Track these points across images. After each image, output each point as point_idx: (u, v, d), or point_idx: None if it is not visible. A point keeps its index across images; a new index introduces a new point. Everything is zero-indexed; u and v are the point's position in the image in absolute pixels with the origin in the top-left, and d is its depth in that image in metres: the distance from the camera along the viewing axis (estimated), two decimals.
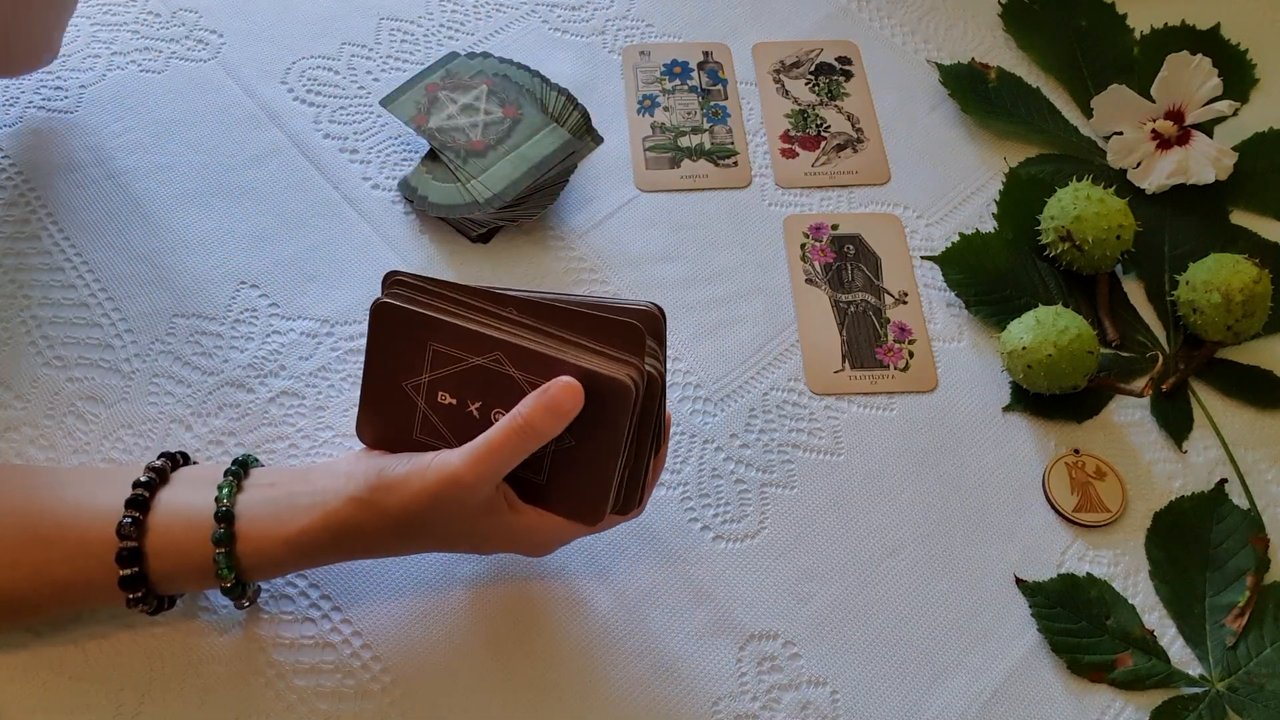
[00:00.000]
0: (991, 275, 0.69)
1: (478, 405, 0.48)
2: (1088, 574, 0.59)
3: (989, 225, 0.73)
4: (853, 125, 0.77)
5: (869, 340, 0.67)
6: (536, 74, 0.74)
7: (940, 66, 0.79)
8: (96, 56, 0.74)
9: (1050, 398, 0.65)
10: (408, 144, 0.72)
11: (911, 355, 0.67)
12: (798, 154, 0.75)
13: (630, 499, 0.51)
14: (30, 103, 0.71)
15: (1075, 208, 0.67)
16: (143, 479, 0.49)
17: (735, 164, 0.74)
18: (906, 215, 0.73)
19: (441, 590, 0.57)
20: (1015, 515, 0.62)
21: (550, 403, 0.45)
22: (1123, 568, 0.61)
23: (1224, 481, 0.63)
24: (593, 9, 0.81)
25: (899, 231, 0.72)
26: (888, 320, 0.68)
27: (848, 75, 0.79)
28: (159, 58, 0.75)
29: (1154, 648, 0.58)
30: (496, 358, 0.46)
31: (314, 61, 0.76)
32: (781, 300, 0.69)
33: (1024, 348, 0.63)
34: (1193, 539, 0.61)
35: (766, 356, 0.66)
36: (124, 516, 0.48)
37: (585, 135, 0.72)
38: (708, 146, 0.75)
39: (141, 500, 0.48)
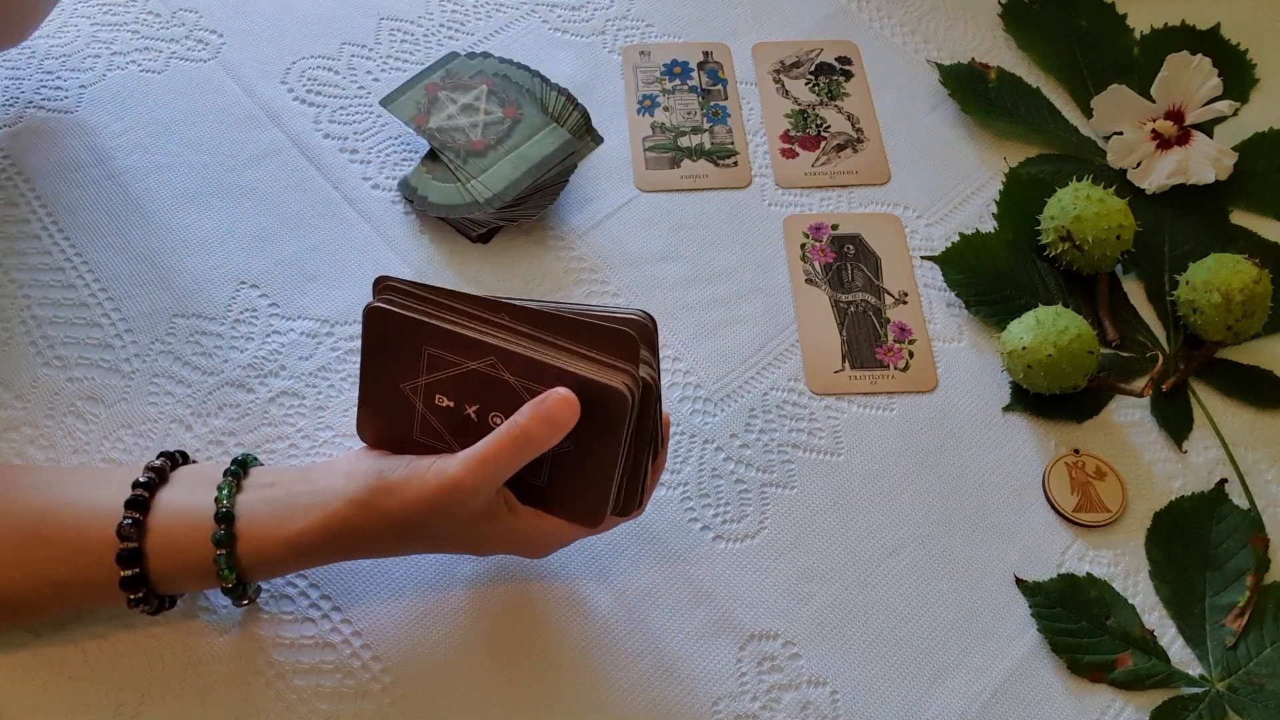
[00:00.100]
0: (991, 275, 0.69)
1: (475, 408, 0.48)
2: (1088, 574, 0.59)
3: (989, 225, 0.73)
4: (853, 125, 0.77)
5: (869, 340, 0.67)
6: (536, 74, 0.74)
7: (940, 66, 0.79)
8: (96, 56, 0.74)
9: (1050, 398, 0.65)
10: (408, 144, 0.72)
11: (911, 355, 0.67)
12: (798, 154, 0.75)
13: (630, 500, 0.51)
14: (30, 103, 0.71)
15: (1075, 208, 0.67)
16: (142, 479, 0.49)
17: (735, 164, 0.74)
18: (906, 215, 0.73)
19: (441, 590, 0.57)
20: (1015, 515, 0.62)
21: (547, 415, 0.45)
22: (1123, 568, 0.61)
23: (1224, 481, 0.63)
24: (593, 9, 0.81)
25: (899, 231, 0.72)
26: (888, 320, 0.68)
27: (848, 75, 0.79)
28: (159, 58, 0.75)
29: (1154, 648, 0.58)
30: (491, 363, 0.46)
31: (314, 61, 0.76)
32: (781, 300, 0.69)
33: (1024, 348, 0.63)
34: (1193, 539, 0.61)
35: (766, 356, 0.66)
36: (124, 518, 0.48)
37: (585, 135, 0.72)
38: (708, 146, 0.75)
39: (141, 501, 0.48)
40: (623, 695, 0.55)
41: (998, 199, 0.73)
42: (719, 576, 0.58)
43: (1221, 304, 0.64)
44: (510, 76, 0.74)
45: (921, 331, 0.68)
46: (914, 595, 0.59)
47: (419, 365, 0.48)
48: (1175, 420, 0.65)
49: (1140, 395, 0.63)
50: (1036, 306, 0.65)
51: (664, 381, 0.64)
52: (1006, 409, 0.65)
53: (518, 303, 0.47)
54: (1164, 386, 0.66)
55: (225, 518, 0.48)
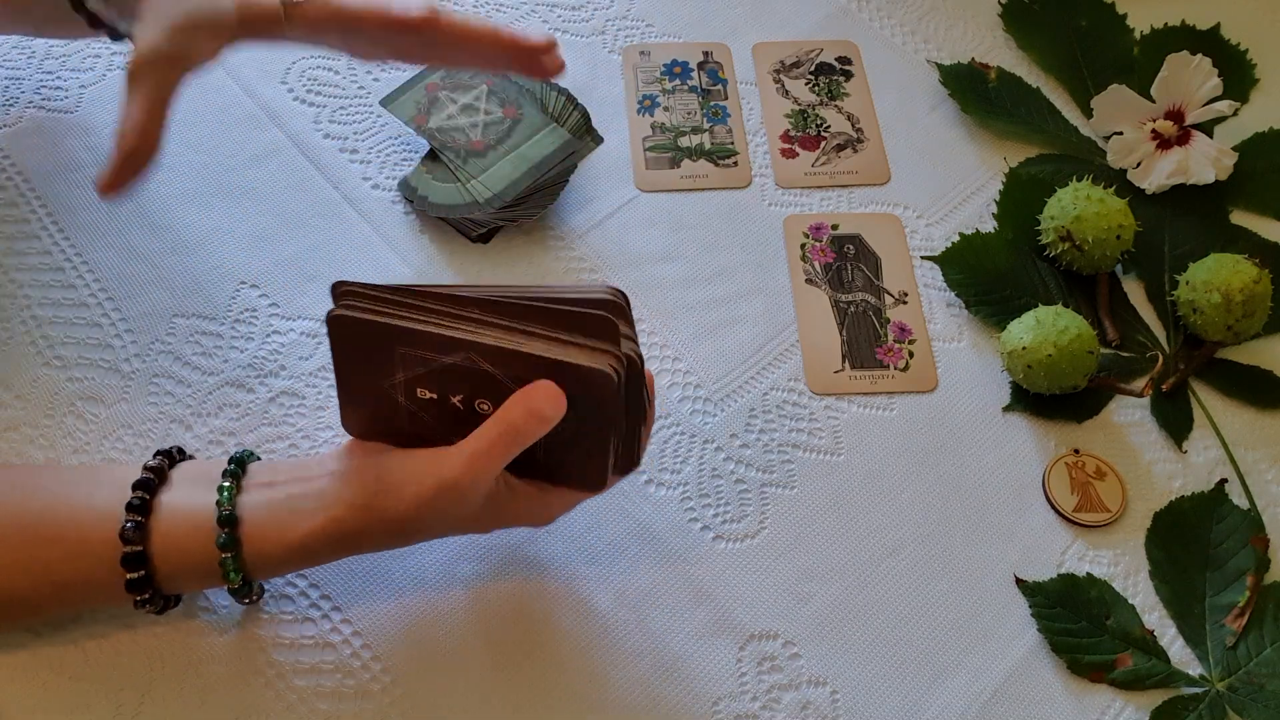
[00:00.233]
0: (991, 275, 0.69)
1: (460, 398, 0.48)
2: (1088, 574, 0.59)
3: (989, 225, 0.73)
4: (853, 125, 0.77)
5: (869, 340, 0.67)
6: None
7: (940, 66, 0.79)
8: (97, 56, 0.74)
9: (1050, 398, 0.65)
10: (408, 144, 0.72)
11: (911, 355, 0.67)
12: (798, 154, 0.75)
13: (628, 460, 0.51)
14: (30, 103, 0.71)
15: (1075, 208, 0.67)
16: (141, 480, 0.49)
17: (735, 164, 0.74)
18: (906, 215, 0.73)
19: (441, 590, 0.57)
20: (1015, 515, 0.62)
21: (534, 409, 0.45)
22: (1123, 568, 0.61)
23: (1224, 481, 0.63)
24: (593, 9, 0.81)
25: (899, 231, 0.72)
26: (888, 320, 0.68)
27: (848, 75, 0.79)
28: None
29: (1154, 648, 0.58)
30: (468, 357, 0.46)
31: (314, 61, 0.75)
32: (781, 300, 0.69)
33: (1024, 348, 0.63)
34: (1193, 539, 0.61)
35: (766, 356, 0.66)
36: (126, 520, 0.48)
37: (585, 135, 0.72)
38: (708, 146, 0.75)
39: (142, 503, 0.48)
40: (623, 695, 0.55)
41: (998, 199, 0.73)
42: (719, 576, 0.58)
43: (1221, 304, 0.64)
44: (510, 76, 0.74)
45: (921, 331, 0.68)
46: (914, 595, 0.59)
47: (393, 365, 0.47)
48: (1175, 420, 0.65)
49: (1140, 395, 0.63)
50: (1036, 306, 0.65)
51: (664, 382, 0.64)
52: (1006, 409, 0.66)
53: (486, 295, 0.46)
54: (1164, 386, 0.66)
55: (228, 520, 0.48)
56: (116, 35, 0.58)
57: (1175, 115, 0.74)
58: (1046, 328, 0.63)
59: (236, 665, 0.53)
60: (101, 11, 0.56)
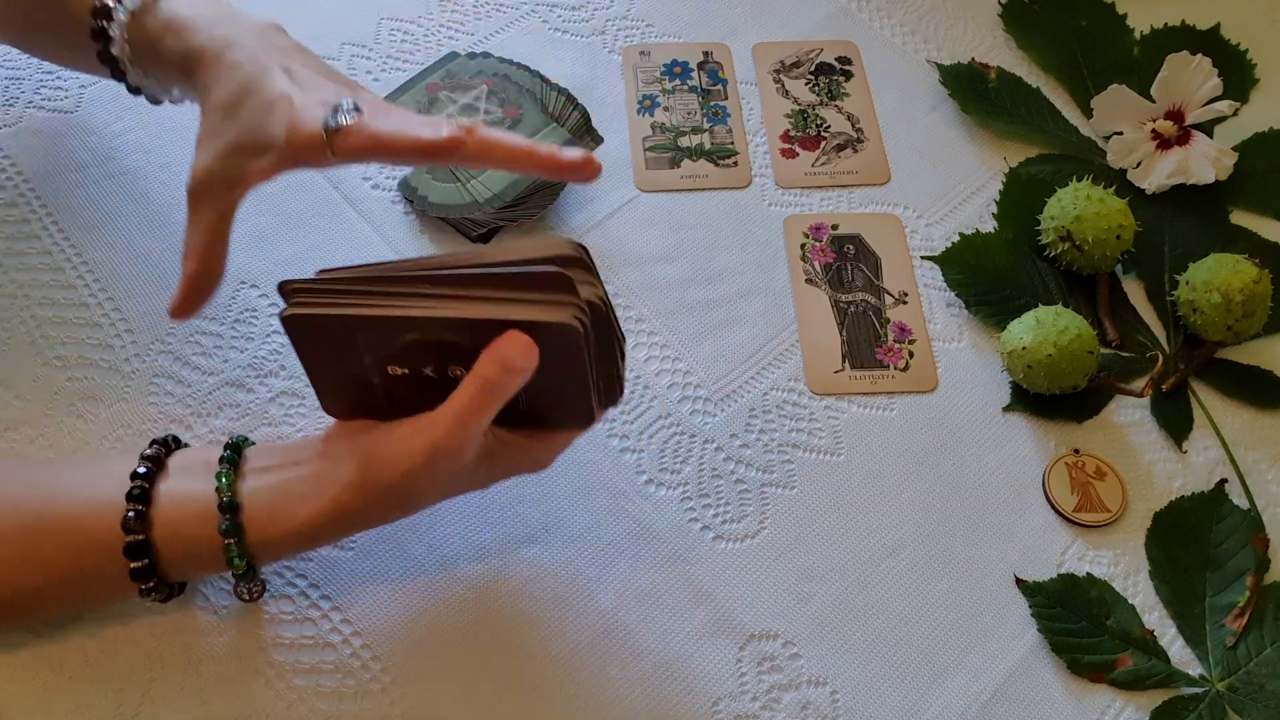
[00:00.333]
0: (991, 275, 0.69)
1: (431, 368, 0.47)
2: (1088, 574, 0.59)
3: (989, 225, 0.73)
4: (853, 125, 0.77)
5: (869, 340, 0.67)
6: (536, 74, 0.74)
7: (940, 66, 0.79)
8: None
9: (1050, 398, 0.65)
10: None
11: (911, 355, 0.67)
12: (798, 154, 0.75)
13: (611, 392, 0.51)
14: (30, 103, 0.71)
15: (1075, 208, 0.67)
16: (140, 470, 0.49)
17: (735, 164, 0.74)
18: (906, 215, 0.73)
19: (441, 590, 0.57)
20: (1015, 515, 0.62)
21: (505, 360, 0.44)
22: (1123, 568, 0.61)
23: (1224, 481, 0.63)
24: (593, 9, 0.81)
25: (899, 231, 0.72)
26: (888, 320, 0.68)
27: (848, 75, 0.79)
28: None
29: (1154, 648, 0.58)
30: (430, 332, 0.46)
31: None
32: (781, 300, 0.69)
33: (1024, 348, 0.63)
34: (1193, 539, 0.61)
35: (766, 356, 0.66)
36: (127, 510, 0.48)
37: (585, 135, 0.72)
38: (708, 146, 0.75)
39: (141, 492, 0.49)
40: (623, 695, 0.55)
41: (998, 199, 0.73)
42: (719, 576, 0.58)
43: (1221, 304, 0.64)
44: (510, 76, 0.74)
45: (921, 331, 0.68)
46: (914, 595, 0.59)
47: (357, 350, 0.47)
48: (1175, 420, 0.65)
49: (1140, 395, 0.63)
50: (1036, 306, 0.65)
51: (664, 382, 0.64)
52: (1006, 409, 0.66)
53: (435, 269, 0.46)
54: (1164, 386, 0.66)
55: (229, 507, 0.48)
56: (135, 90, 0.59)
57: (1175, 115, 0.74)
58: (1046, 328, 0.63)
59: (236, 665, 0.53)
60: (127, 68, 0.57)
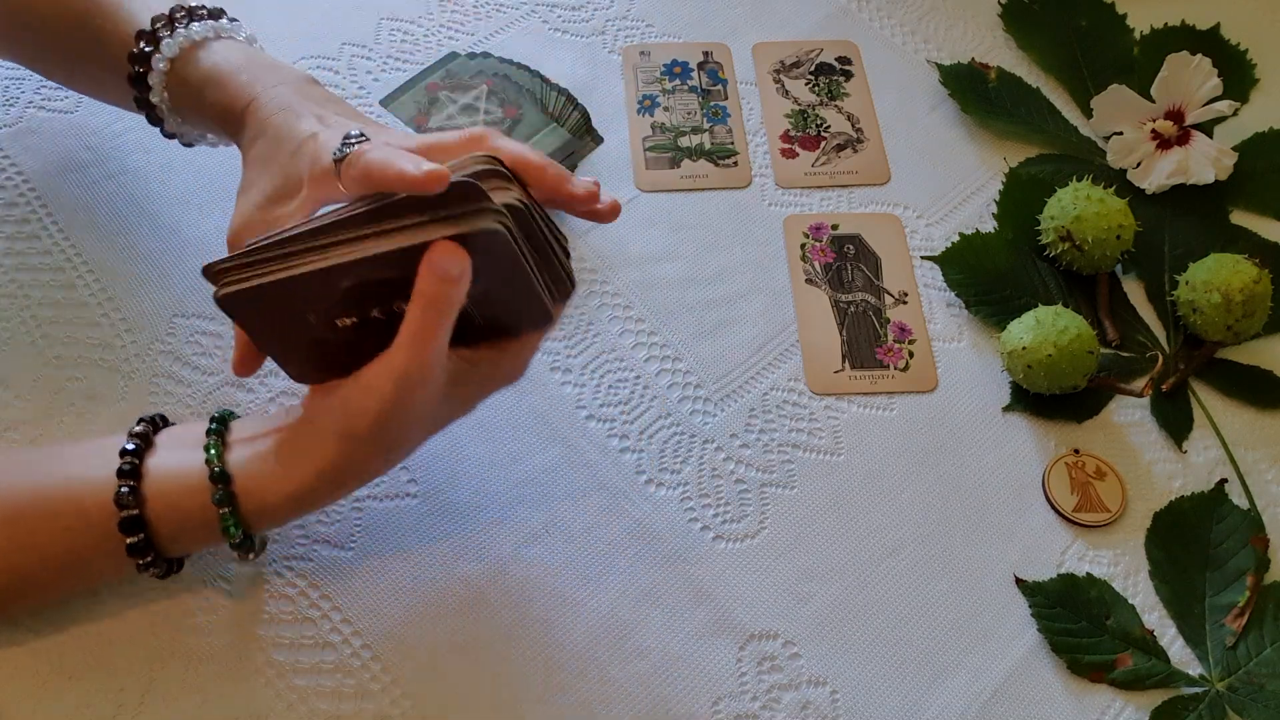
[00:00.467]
0: (991, 275, 0.69)
1: (377, 309, 0.47)
2: (1088, 574, 0.59)
3: (989, 225, 0.73)
4: (853, 125, 0.77)
5: (869, 340, 0.67)
6: (536, 74, 0.74)
7: (940, 66, 0.79)
8: None
9: (1050, 398, 0.65)
10: None
11: (911, 355, 0.67)
12: (798, 154, 0.75)
13: (562, 289, 0.50)
14: (30, 103, 0.71)
15: (1075, 208, 0.67)
16: (129, 446, 0.49)
17: (735, 164, 0.74)
18: (906, 215, 0.73)
19: (441, 590, 0.57)
20: (1015, 515, 0.62)
21: (438, 272, 0.44)
22: (1123, 568, 0.61)
23: (1224, 481, 0.63)
24: (593, 9, 0.81)
25: (899, 231, 0.72)
26: (888, 320, 0.68)
27: (848, 75, 0.79)
28: None
29: (1154, 648, 0.58)
30: (363, 273, 0.46)
31: (314, 61, 0.75)
32: (781, 300, 0.69)
33: (1024, 348, 0.63)
34: (1193, 539, 0.61)
35: (766, 356, 0.66)
36: (119, 486, 0.48)
37: (585, 135, 0.72)
38: (708, 146, 0.75)
39: (132, 468, 0.49)
40: (623, 695, 0.55)
41: (998, 199, 0.73)
42: (719, 576, 0.58)
43: (1221, 304, 0.64)
44: (510, 76, 0.74)
45: (921, 331, 0.68)
46: (914, 595, 0.59)
47: (300, 311, 0.47)
48: (1175, 420, 0.65)
49: (1140, 395, 0.63)
50: (1036, 306, 0.65)
51: (663, 381, 0.64)
52: (1006, 409, 0.66)
53: (346, 213, 0.46)
54: (1164, 386, 0.66)
55: (221, 477, 0.48)
56: (170, 135, 0.60)
57: (1175, 115, 0.74)
58: (1046, 328, 0.63)
59: (236, 665, 0.53)
60: (165, 115, 0.58)
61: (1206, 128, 0.75)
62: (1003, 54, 0.81)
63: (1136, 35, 0.81)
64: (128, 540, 0.48)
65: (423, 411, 0.48)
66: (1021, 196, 0.72)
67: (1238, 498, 0.63)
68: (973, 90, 0.78)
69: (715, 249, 0.70)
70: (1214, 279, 0.65)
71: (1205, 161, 0.73)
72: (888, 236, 0.72)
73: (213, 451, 0.49)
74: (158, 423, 0.52)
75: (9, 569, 0.49)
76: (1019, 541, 0.61)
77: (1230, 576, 0.60)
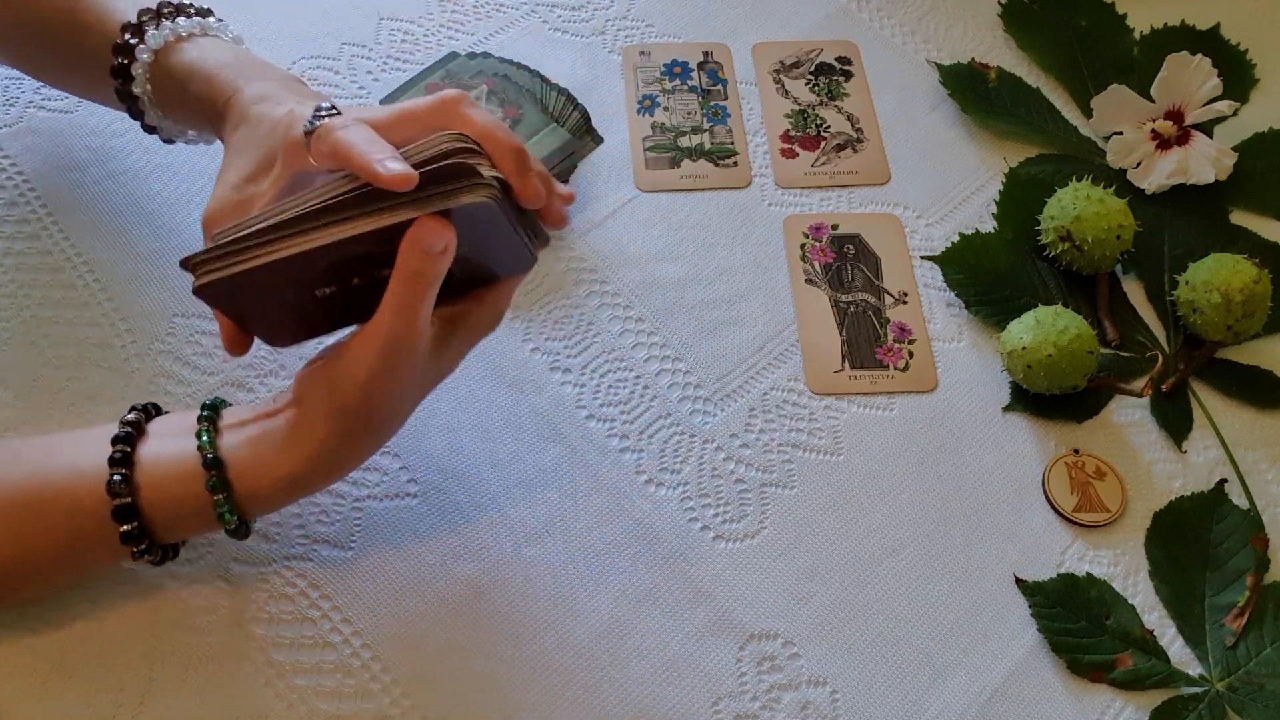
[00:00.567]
0: (991, 275, 0.69)
1: (357, 279, 0.47)
2: (1088, 574, 0.59)
3: (989, 225, 0.73)
4: (853, 125, 0.77)
5: (869, 340, 0.67)
6: (536, 74, 0.74)
7: (940, 66, 0.79)
8: None
9: (1050, 398, 0.65)
10: None
11: (911, 355, 0.67)
12: (798, 154, 0.75)
13: (540, 236, 0.51)
14: (30, 102, 0.71)
15: (1075, 208, 0.67)
16: (120, 434, 0.49)
17: (735, 164, 0.74)
18: (906, 215, 0.73)
19: (441, 590, 0.57)
20: (1015, 515, 0.62)
21: (423, 247, 0.44)
22: (1123, 568, 0.61)
23: (1224, 481, 0.63)
24: (593, 9, 0.81)
25: (899, 231, 0.72)
26: (888, 320, 0.68)
27: (848, 75, 0.79)
28: None
29: (1154, 648, 0.58)
30: (343, 252, 0.46)
31: (314, 61, 0.76)
32: (781, 300, 0.69)
33: (1024, 348, 0.63)
34: (1193, 539, 0.61)
35: (766, 356, 0.66)
36: (112, 474, 0.48)
37: (585, 135, 0.72)
38: (708, 146, 0.75)
39: (124, 456, 0.49)
40: (623, 695, 0.55)
41: (998, 199, 0.73)
42: (719, 576, 0.58)
43: (1221, 304, 0.64)
44: (510, 76, 0.74)
45: (921, 331, 0.68)
46: (914, 595, 0.59)
47: (280, 290, 0.47)
48: (1175, 420, 0.65)
49: (1140, 395, 0.63)
50: (1036, 306, 0.65)
51: (663, 381, 0.65)
52: (1006, 409, 0.66)
53: (330, 200, 0.45)
54: (1164, 386, 0.66)
55: (214, 464, 0.48)
56: (150, 129, 0.60)
57: (1175, 115, 0.74)
58: (1046, 328, 0.63)
59: (236, 665, 0.53)
60: (147, 107, 0.58)
61: (1206, 128, 0.75)
62: (1003, 54, 0.81)
63: (1136, 35, 0.81)
64: (121, 528, 0.48)
65: (409, 379, 0.48)
66: (1021, 196, 0.72)
67: (1238, 498, 0.63)
68: (973, 90, 0.78)
69: (715, 249, 0.70)
70: (1214, 279, 0.65)
71: (1205, 161, 0.73)
72: (888, 236, 0.72)
73: (205, 438, 0.49)
74: (150, 411, 0.52)
75: (2, 560, 0.48)
76: (1019, 541, 0.61)
77: (1230, 576, 0.60)
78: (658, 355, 0.66)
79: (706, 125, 0.76)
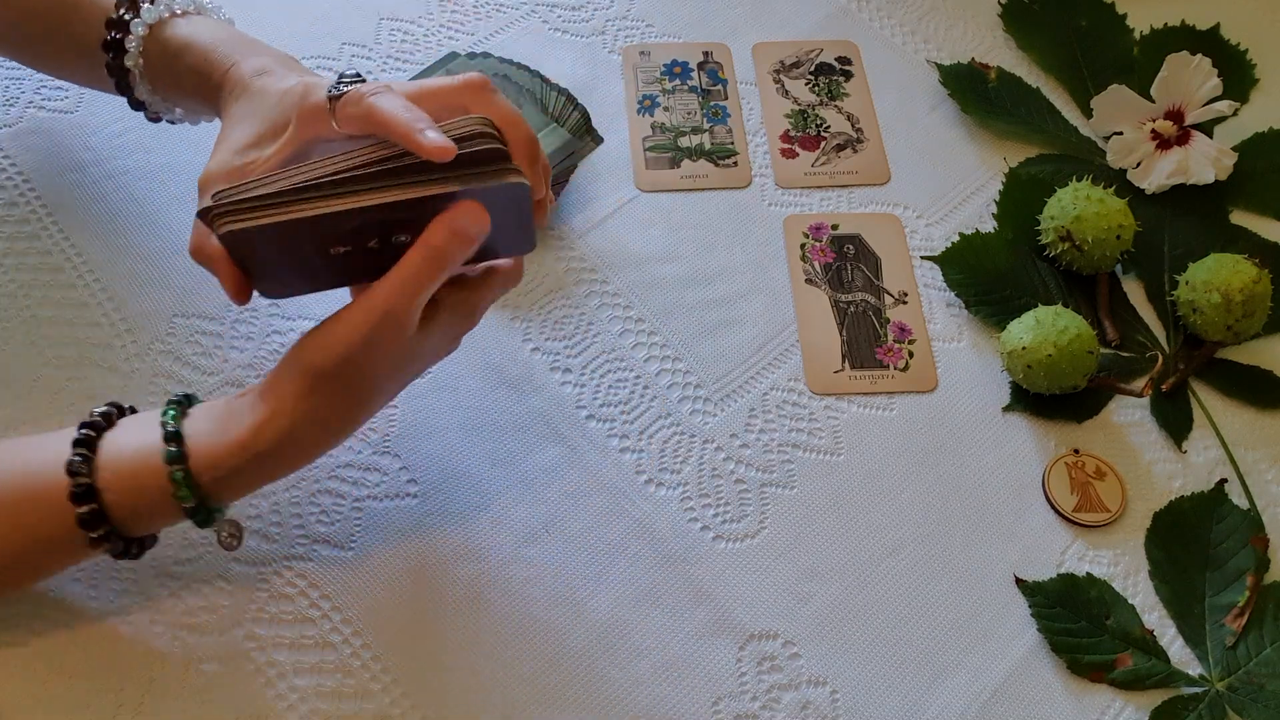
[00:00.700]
0: (991, 275, 0.69)
1: (374, 241, 0.47)
2: (1088, 574, 0.59)
3: (989, 225, 0.73)
4: (853, 125, 0.77)
5: (869, 340, 0.67)
6: (536, 74, 0.74)
7: (940, 66, 0.79)
8: None
9: (1050, 398, 0.65)
10: None
11: (911, 355, 0.67)
12: (798, 154, 0.75)
13: (541, 215, 0.51)
14: (30, 103, 0.71)
15: (1075, 208, 0.67)
16: (87, 421, 0.49)
17: (735, 164, 0.74)
18: (906, 215, 0.73)
19: (441, 590, 0.57)
20: (1015, 515, 0.62)
21: (457, 228, 0.44)
22: (1123, 568, 0.61)
23: (1224, 481, 0.63)
24: (593, 9, 0.81)
25: (899, 231, 0.72)
26: (888, 320, 0.68)
27: (848, 75, 0.79)
28: None
29: (1154, 648, 0.58)
30: (375, 216, 0.45)
31: (314, 61, 0.76)
32: (781, 300, 0.69)
33: (1024, 348, 0.63)
34: (1193, 539, 0.61)
35: (766, 356, 0.66)
36: (73, 454, 0.47)
37: (585, 135, 0.72)
38: (708, 146, 0.75)
39: (89, 440, 0.48)
40: (623, 695, 0.55)
41: (998, 199, 0.73)
42: (719, 576, 0.58)
43: (1221, 304, 0.64)
44: (510, 76, 0.74)
45: (921, 331, 0.68)
46: (914, 595, 0.59)
47: (298, 244, 0.47)
48: (1175, 420, 0.65)
49: (1140, 395, 0.63)
50: (1036, 306, 0.65)
51: (663, 381, 0.65)
52: (1006, 409, 0.66)
53: (365, 163, 0.45)
54: (1164, 386, 0.66)
55: (174, 437, 0.48)
56: (137, 105, 0.60)
57: (1175, 115, 0.74)
58: (1046, 328, 0.63)
59: (237, 665, 0.53)
60: (137, 81, 0.57)
61: (1206, 128, 0.75)
62: (1003, 54, 0.81)
63: (1136, 35, 0.81)
64: (78, 510, 0.47)
65: (391, 355, 0.47)
66: (1021, 196, 0.72)
67: (1238, 498, 0.63)
68: (973, 90, 0.78)
69: (715, 249, 0.70)
70: (1214, 279, 0.65)
71: (1205, 161, 0.73)
72: (888, 236, 0.72)
73: (168, 414, 0.49)
74: (124, 409, 0.51)
75: None
76: (1019, 541, 0.61)
77: (1230, 576, 0.60)
78: (658, 355, 0.66)
79: (706, 125, 0.76)
